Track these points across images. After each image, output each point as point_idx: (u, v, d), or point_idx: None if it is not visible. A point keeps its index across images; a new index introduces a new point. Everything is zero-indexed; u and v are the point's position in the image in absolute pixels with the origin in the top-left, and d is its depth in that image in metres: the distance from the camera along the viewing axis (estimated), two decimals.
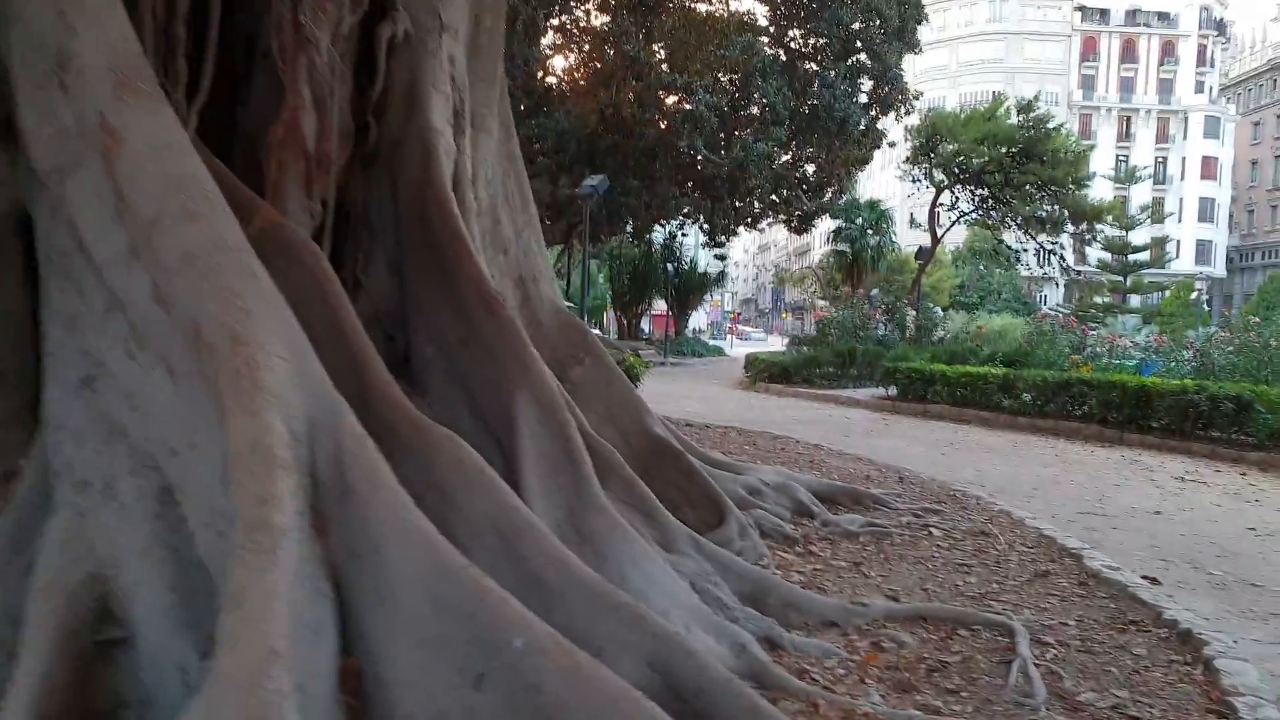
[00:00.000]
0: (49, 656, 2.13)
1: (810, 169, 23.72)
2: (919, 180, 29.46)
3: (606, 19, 20.99)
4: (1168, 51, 69.99)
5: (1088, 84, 69.88)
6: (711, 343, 33.13)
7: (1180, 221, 65.06)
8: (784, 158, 22.63)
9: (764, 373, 17.80)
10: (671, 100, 21.14)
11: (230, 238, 2.48)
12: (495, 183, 4.52)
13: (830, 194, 24.95)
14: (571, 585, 2.59)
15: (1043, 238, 30.74)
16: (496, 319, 3.38)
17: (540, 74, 21.26)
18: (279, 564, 1.94)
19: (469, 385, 3.46)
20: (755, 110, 21.15)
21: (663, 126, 21.23)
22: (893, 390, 14.22)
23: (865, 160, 23.78)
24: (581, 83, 22.07)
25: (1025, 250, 31.71)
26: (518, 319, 4.49)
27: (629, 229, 27.91)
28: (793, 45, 21.98)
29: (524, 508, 2.70)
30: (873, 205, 31.89)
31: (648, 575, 3.02)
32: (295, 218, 3.53)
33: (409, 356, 3.73)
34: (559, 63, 23.06)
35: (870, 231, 30.98)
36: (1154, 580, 4.54)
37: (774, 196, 23.73)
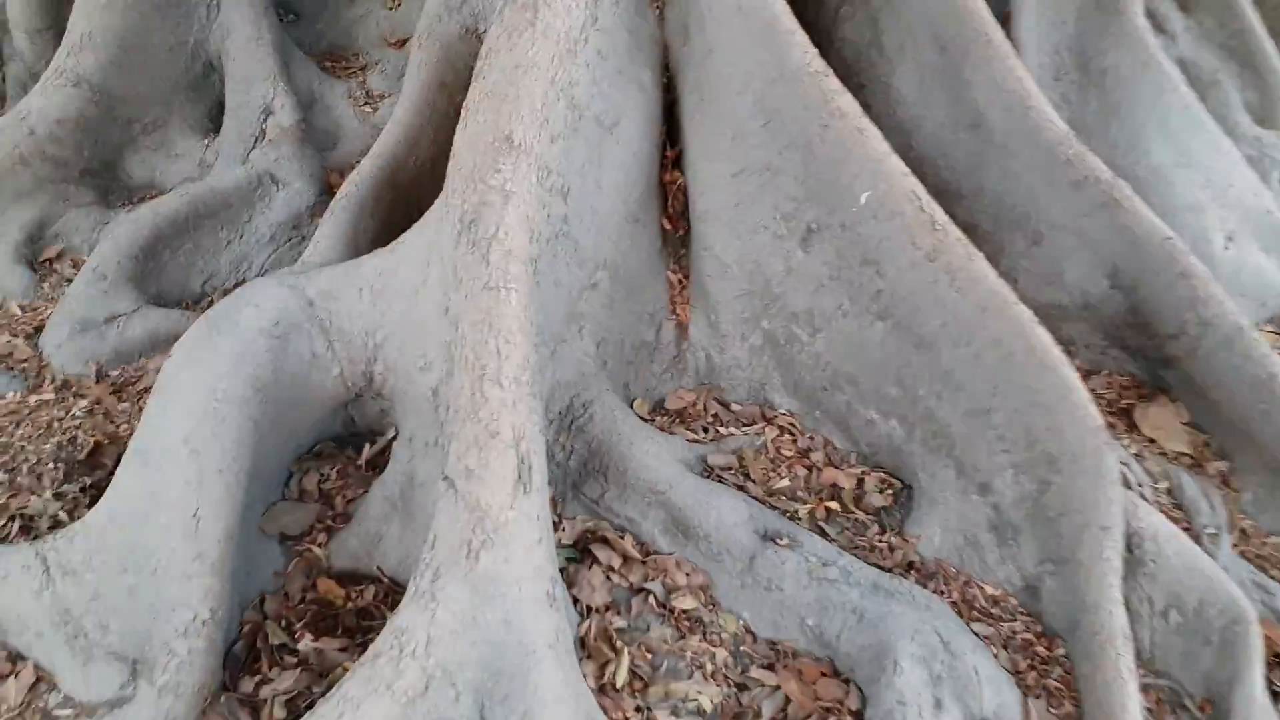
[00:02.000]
0: (417, 107, 2.06)
1: None
2: None
3: None
4: None
5: None
6: None
7: None
8: None
9: None
10: None
11: None
12: None
13: None
14: (1023, 134, 1.70)
15: None
16: None
17: None
18: (538, 41, 1.50)
19: None
20: None
21: None
22: None
23: None
24: None
25: None
26: None
27: None
28: None
29: (986, 14, 1.76)
30: None
31: (1183, 148, 1.89)
32: None
33: None
34: None
35: None
36: None
37: None
